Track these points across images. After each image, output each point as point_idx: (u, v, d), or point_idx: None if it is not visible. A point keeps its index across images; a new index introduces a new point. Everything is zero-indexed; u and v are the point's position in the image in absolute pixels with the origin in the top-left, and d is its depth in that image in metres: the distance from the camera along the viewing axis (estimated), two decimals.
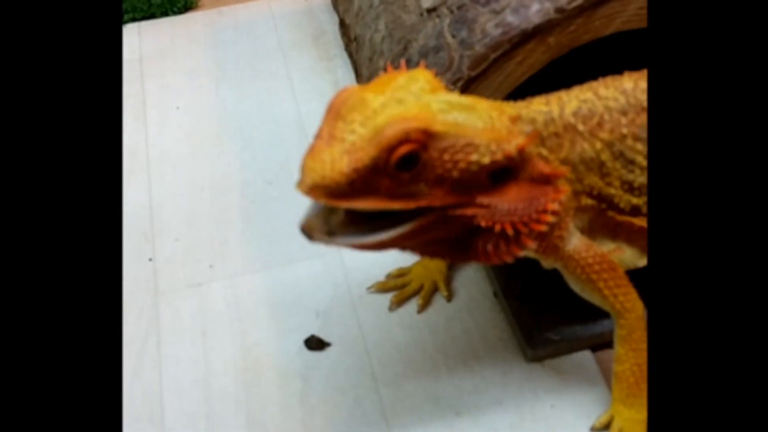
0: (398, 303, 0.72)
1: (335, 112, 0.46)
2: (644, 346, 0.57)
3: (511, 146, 0.47)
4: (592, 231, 0.56)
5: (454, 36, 0.61)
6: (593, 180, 0.54)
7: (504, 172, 0.47)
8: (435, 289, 0.73)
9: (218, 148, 0.92)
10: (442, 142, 0.45)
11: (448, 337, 0.70)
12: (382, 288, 0.74)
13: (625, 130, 0.53)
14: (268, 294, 0.75)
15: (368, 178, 0.44)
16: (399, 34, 0.67)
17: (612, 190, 0.54)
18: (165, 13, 1.14)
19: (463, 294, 0.73)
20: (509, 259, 0.49)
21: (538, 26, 0.58)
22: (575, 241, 0.55)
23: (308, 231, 0.46)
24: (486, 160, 0.46)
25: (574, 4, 0.58)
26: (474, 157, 0.46)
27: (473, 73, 0.59)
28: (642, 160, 0.54)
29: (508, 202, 0.48)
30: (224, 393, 0.67)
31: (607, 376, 0.65)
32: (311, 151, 0.45)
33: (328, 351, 0.70)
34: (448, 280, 0.73)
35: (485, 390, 0.65)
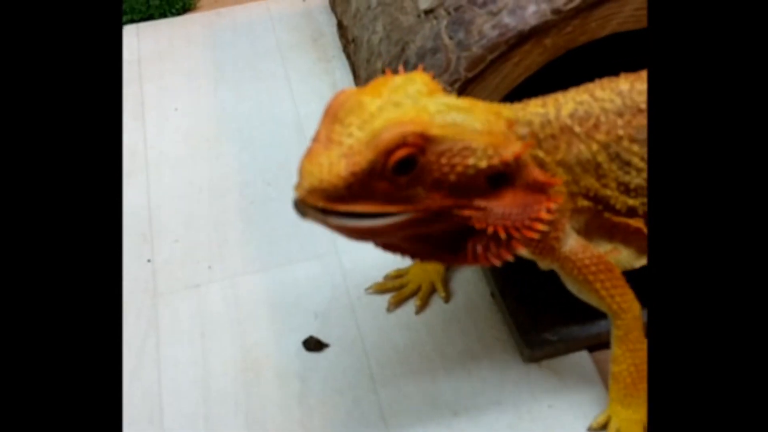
0: (396, 304, 0.73)
1: (333, 115, 0.46)
2: (641, 346, 0.57)
3: (508, 152, 0.47)
4: (588, 232, 0.56)
5: (451, 37, 0.61)
6: (589, 181, 0.54)
7: (501, 177, 0.48)
8: (433, 290, 0.73)
9: (217, 149, 0.92)
10: (440, 146, 0.45)
11: (445, 337, 0.70)
12: (380, 289, 0.74)
13: (621, 132, 0.53)
14: (267, 295, 0.75)
15: (366, 182, 0.45)
16: (396, 35, 0.67)
17: (608, 192, 0.54)
18: (163, 15, 1.14)
19: (461, 295, 0.73)
20: (497, 262, 0.50)
21: (534, 27, 0.58)
22: (572, 243, 0.55)
23: (302, 208, 0.45)
24: (483, 164, 0.46)
25: (571, 5, 0.58)
26: (471, 161, 0.46)
27: (470, 75, 0.59)
28: (638, 162, 0.54)
29: (503, 206, 0.48)
30: (223, 394, 0.67)
31: (604, 376, 0.65)
32: (309, 155, 0.45)
33: (326, 352, 0.70)
34: (446, 281, 0.74)
35: (483, 390, 0.66)
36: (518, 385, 0.66)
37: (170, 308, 0.75)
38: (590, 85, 0.55)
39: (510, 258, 0.50)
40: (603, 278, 0.55)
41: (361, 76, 0.75)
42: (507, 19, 0.59)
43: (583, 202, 0.54)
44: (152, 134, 0.95)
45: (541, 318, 0.68)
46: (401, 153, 0.44)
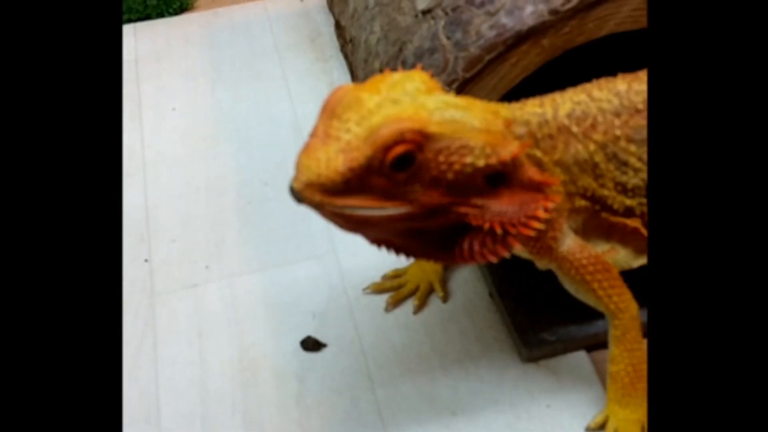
0: (394, 304, 0.73)
1: (331, 111, 0.46)
2: (639, 346, 0.57)
3: (506, 152, 0.47)
4: (586, 232, 0.56)
5: (448, 38, 0.61)
6: (587, 181, 0.54)
7: (498, 176, 0.48)
8: (431, 290, 0.73)
9: (214, 149, 0.92)
10: (438, 144, 0.45)
11: (443, 337, 0.70)
12: (378, 289, 0.74)
13: (618, 132, 0.53)
14: (265, 295, 0.75)
15: (363, 178, 0.45)
16: (394, 35, 0.67)
17: (605, 192, 0.54)
18: (161, 15, 1.14)
19: (459, 295, 0.73)
20: (493, 259, 0.50)
21: (532, 28, 0.58)
22: (569, 242, 0.55)
23: (298, 194, 0.45)
24: (481, 162, 0.46)
25: (568, 6, 0.58)
26: (468, 159, 0.46)
27: (468, 75, 0.59)
28: (635, 162, 0.54)
29: (500, 204, 0.48)
30: (220, 393, 0.67)
31: (602, 376, 0.65)
32: (306, 149, 0.45)
33: (324, 352, 0.70)
34: (444, 281, 0.74)
35: (481, 390, 0.66)
36: (516, 385, 0.66)
37: (167, 308, 0.75)
38: (588, 86, 0.55)
39: (506, 254, 0.50)
40: (600, 278, 0.55)
41: (358, 76, 0.75)
42: (504, 20, 0.59)
43: (581, 202, 0.55)
44: (149, 134, 0.95)
45: (539, 318, 0.68)
46: (399, 149, 0.44)
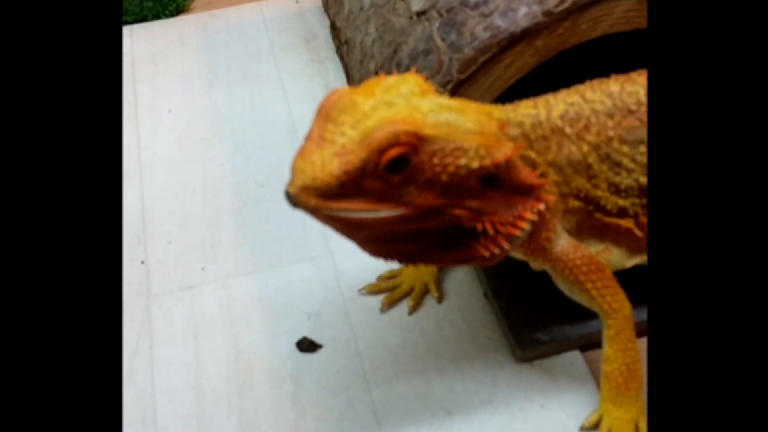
0: (389, 305, 0.73)
1: (325, 114, 0.47)
2: (632, 346, 0.58)
3: (500, 154, 0.47)
4: (579, 232, 0.57)
5: (443, 39, 0.61)
6: (580, 182, 0.54)
7: (492, 178, 0.48)
8: (426, 291, 0.73)
9: (210, 150, 0.92)
10: (432, 146, 0.46)
11: (438, 338, 0.70)
12: (373, 290, 0.74)
13: (611, 133, 0.54)
14: (261, 296, 0.75)
15: (358, 180, 0.45)
16: (389, 37, 0.67)
17: (599, 192, 0.55)
18: (157, 16, 1.14)
19: (454, 295, 0.73)
20: (486, 253, 0.50)
21: (526, 29, 0.58)
22: (563, 243, 0.55)
23: (294, 198, 0.45)
24: (475, 164, 0.46)
25: (562, 7, 0.58)
26: (463, 161, 0.46)
27: (462, 76, 0.60)
28: (628, 163, 0.54)
29: (493, 205, 0.48)
30: (216, 395, 0.67)
31: (596, 375, 0.65)
32: (301, 153, 0.46)
33: (319, 353, 0.70)
34: (439, 282, 0.74)
35: (476, 390, 0.66)
36: (511, 385, 0.66)
37: (163, 310, 0.75)
38: (581, 87, 0.55)
39: (496, 251, 0.50)
40: (594, 278, 0.56)
41: (354, 78, 0.75)
42: (498, 21, 0.59)
43: (574, 203, 0.55)
44: (146, 136, 0.95)
45: (533, 318, 0.68)
46: (394, 152, 0.44)
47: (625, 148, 0.54)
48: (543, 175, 0.52)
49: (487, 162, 0.47)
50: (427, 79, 0.51)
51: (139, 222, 0.84)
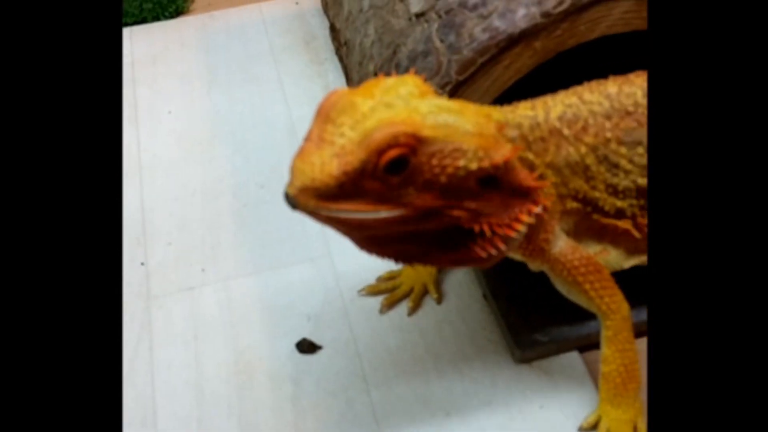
0: (389, 306, 0.73)
1: (325, 115, 0.47)
2: (630, 346, 0.58)
3: (498, 155, 0.47)
4: (577, 233, 0.57)
5: (442, 40, 0.61)
6: (578, 183, 0.54)
7: (490, 179, 0.48)
8: (425, 292, 0.74)
9: (210, 152, 0.92)
10: (431, 147, 0.46)
11: (438, 339, 0.70)
12: (372, 291, 0.74)
13: (609, 134, 0.54)
14: (260, 298, 0.76)
15: (357, 181, 0.45)
16: (388, 38, 0.67)
17: (597, 194, 0.55)
18: (156, 18, 1.14)
19: (453, 296, 0.73)
20: (483, 254, 0.50)
21: (524, 31, 0.59)
22: (561, 244, 0.55)
23: (293, 200, 0.46)
24: (473, 165, 0.47)
25: (560, 8, 0.59)
26: (461, 163, 0.46)
27: (461, 78, 0.60)
28: (626, 164, 0.54)
29: (492, 207, 0.49)
30: (216, 396, 0.68)
31: (594, 376, 0.65)
32: (301, 153, 0.46)
33: (319, 354, 0.70)
34: (438, 283, 0.74)
35: (475, 391, 0.66)
36: (510, 386, 0.66)
37: (163, 311, 0.75)
38: (579, 88, 0.56)
39: (493, 252, 0.50)
40: (592, 279, 0.56)
41: (353, 79, 0.76)
42: (497, 23, 0.59)
43: (572, 204, 0.55)
44: (145, 137, 0.95)
45: (532, 319, 0.68)
46: (393, 153, 0.44)
47: (623, 150, 0.54)
48: (541, 177, 0.53)
49: (486, 163, 0.47)
50: (426, 80, 0.51)
51: (138, 223, 0.84)
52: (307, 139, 0.47)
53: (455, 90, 0.60)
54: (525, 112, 0.53)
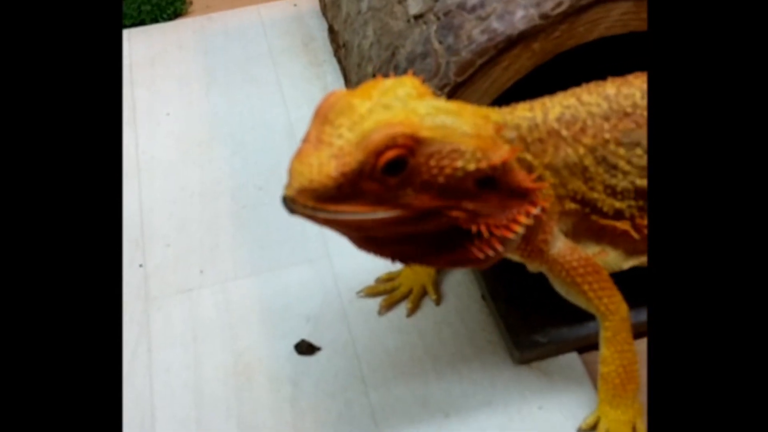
0: (387, 307, 0.73)
1: (323, 116, 0.47)
2: (629, 347, 0.58)
3: (496, 156, 0.47)
4: (576, 234, 0.57)
5: (440, 42, 0.61)
6: (577, 185, 0.54)
7: (488, 180, 0.48)
8: (424, 293, 0.74)
9: (208, 153, 0.92)
10: (429, 148, 0.46)
11: (436, 340, 0.70)
12: (371, 292, 0.74)
13: (607, 136, 0.54)
14: (259, 299, 0.76)
15: (355, 183, 0.45)
16: (387, 40, 0.67)
17: (595, 195, 0.55)
18: (155, 20, 1.14)
19: (452, 297, 0.74)
20: (480, 255, 0.50)
21: (523, 32, 0.59)
22: (560, 245, 0.55)
23: (291, 203, 0.46)
24: (471, 166, 0.47)
25: (559, 10, 0.59)
26: (459, 164, 0.46)
27: (460, 79, 0.60)
28: (624, 165, 0.54)
29: (489, 208, 0.49)
30: (215, 398, 0.68)
31: (593, 377, 0.65)
32: (299, 155, 0.46)
33: (318, 355, 0.70)
34: (437, 284, 0.74)
35: (474, 392, 0.66)
36: (509, 387, 0.66)
37: (162, 313, 0.75)
38: (577, 90, 0.56)
39: (490, 253, 0.50)
40: (591, 280, 0.56)
41: (352, 81, 0.76)
42: (496, 24, 0.59)
43: (571, 205, 0.55)
44: (144, 139, 0.95)
45: (531, 320, 0.68)
46: (391, 154, 0.44)
47: (621, 151, 0.54)
48: (539, 178, 0.53)
49: (484, 164, 0.47)
50: (424, 81, 0.51)
51: (137, 225, 0.84)
52: (306, 140, 0.47)
53: (454, 91, 0.60)
54: (523, 113, 0.53)
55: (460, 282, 0.75)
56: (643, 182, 0.55)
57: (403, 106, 0.47)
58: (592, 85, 0.56)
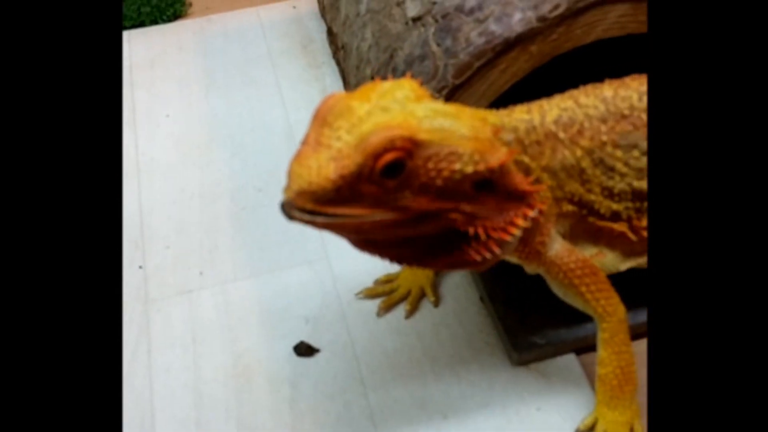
0: (386, 309, 0.73)
1: (322, 119, 0.47)
2: (627, 349, 0.58)
3: (494, 159, 0.47)
4: (573, 236, 0.57)
5: (438, 44, 0.62)
6: (574, 186, 0.55)
7: (486, 183, 0.48)
8: (422, 295, 0.74)
9: (208, 155, 0.92)
10: (427, 151, 0.46)
11: (435, 342, 0.70)
12: (370, 294, 0.74)
13: (605, 138, 0.54)
14: (258, 301, 0.76)
15: (354, 185, 0.45)
16: (385, 42, 0.67)
17: (592, 197, 0.55)
18: (154, 21, 1.14)
19: (450, 299, 0.74)
20: (477, 257, 0.50)
21: (520, 35, 0.59)
22: (557, 247, 0.56)
23: (289, 209, 0.46)
24: (469, 169, 0.47)
25: (556, 12, 0.59)
26: (457, 166, 0.46)
27: (457, 82, 0.60)
28: (621, 167, 0.55)
29: (487, 210, 0.49)
30: (214, 399, 0.68)
31: (591, 378, 0.65)
32: (298, 157, 0.46)
33: (317, 357, 0.70)
34: (435, 286, 0.74)
35: (472, 394, 0.66)
36: (507, 388, 0.66)
37: (162, 314, 0.75)
38: (575, 92, 0.56)
39: (487, 255, 0.50)
40: (588, 282, 0.56)
41: (350, 83, 0.76)
42: (493, 27, 0.60)
43: (568, 207, 0.55)
44: (143, 140, 0.95)
45: (529, 322, 0.69)
46: (389, 157, 0.45)
47: (619, 153, 0.54)
48: (537, 181, 0.53)
49: (482, 167, 0.47)
50: (422, 84, 0.51)
51: (137, 227, 0.84)
52: (304, 142, 0.47)
53: (452, 94, 0.60)
54: (521, 115, 0.53)
55: (458, 284, 0.75)
56: (640, 184, 0.55)
57: (401, 108, 0.47)
58: (590, 88, 0.56)
